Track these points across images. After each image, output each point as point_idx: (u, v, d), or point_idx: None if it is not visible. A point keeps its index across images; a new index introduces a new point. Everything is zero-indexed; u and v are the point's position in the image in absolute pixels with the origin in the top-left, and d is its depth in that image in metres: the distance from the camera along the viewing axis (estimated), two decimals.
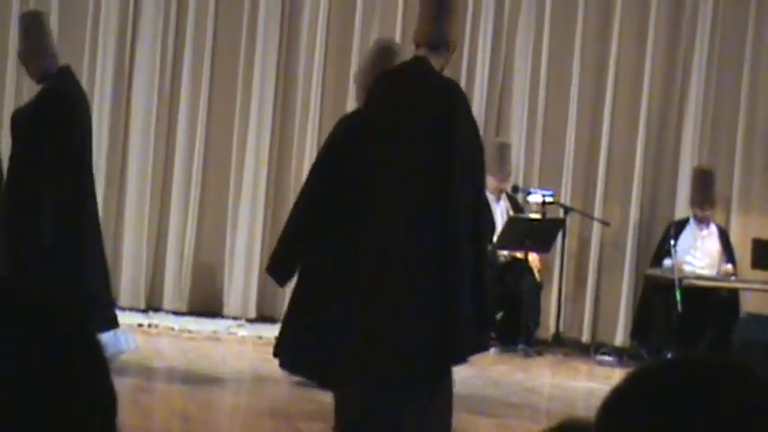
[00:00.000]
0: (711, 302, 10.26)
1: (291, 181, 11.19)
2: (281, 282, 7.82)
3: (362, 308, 5.72)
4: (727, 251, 10.71)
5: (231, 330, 10.38)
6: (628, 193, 11.43)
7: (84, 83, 10.66)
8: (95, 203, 7.81)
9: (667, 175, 11.50)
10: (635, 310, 11.06)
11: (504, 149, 10.80)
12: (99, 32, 11.05)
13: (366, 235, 5.76)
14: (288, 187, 11.19)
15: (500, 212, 10.61)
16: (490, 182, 9.76)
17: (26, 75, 8.13)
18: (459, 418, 6.21)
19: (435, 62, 5.88)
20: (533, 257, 10.81)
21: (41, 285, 1.24)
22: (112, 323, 7.64)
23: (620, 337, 11.22)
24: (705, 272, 10.55)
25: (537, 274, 10.85)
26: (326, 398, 7.00)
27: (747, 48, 11.45)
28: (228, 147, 11.19)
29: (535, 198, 10.81)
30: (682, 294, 9.92)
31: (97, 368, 1.22)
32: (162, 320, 10.46)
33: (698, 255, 10.61)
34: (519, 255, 10.74)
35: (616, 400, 1.27)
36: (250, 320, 10.90)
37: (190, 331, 10.13)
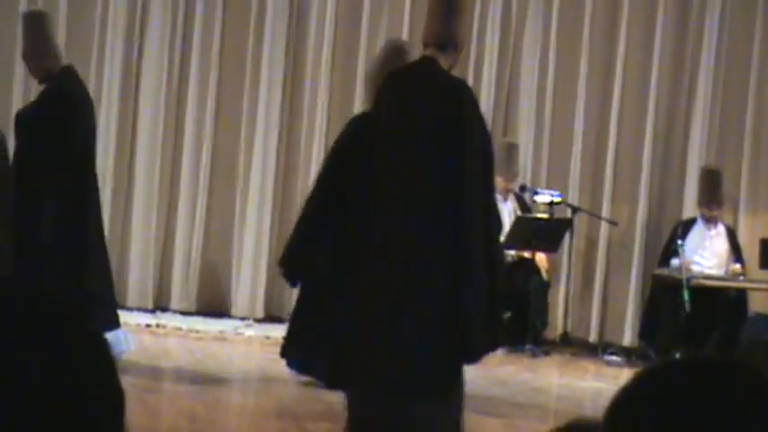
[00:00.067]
0: (719, 302, 10.24)
1: (299, 181, 11.20)
2: (293, 279, 7.84)
3: (371, 308, 5.72)
4: (736, 251, 10.70)
5: (239, 330, 10.39)
6: (635, 193, 11.42)
7: (91, 85, 10.68)
8: (98, 203, 7.82)
9: (675, 174, 11.49)
10: (643, 310, 11.05)
11: (511, 149, 10.80)
12: (107, 34, 11.06)
13: (374, 235, 5.76)
14: (295, 187, 11.20)
15: (507, 212, 10.60)
16: (498, 182, 9.74)
17: None
18: (466, 418, 6.20)
19: (443, 62, 5.88)
20: (541, 257, 10.81)
21: (45, 285, 1.24)
22: (114, 323, 7.65)
23: (627, 337, 11.21)
24: (713, 272, 10.54)
25: (544, 274, 10.85)
26: (334, 398, 7.01)
27: (755, 47, 11.44)
28: (236, 147, 11.19)
29: (543, 198, 10.81)
30: (690, 294, 9.90)
31: (105, 368, 1.22)
32: (169, 320, 10.47)
33: (706, 255, 10.60)
34: (526, 255, 10.74)
35: (624, 401, 1.27)
36: (258, 320, 10.91)
37: (197, 331, 10.14)
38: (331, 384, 7.37)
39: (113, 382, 1.22)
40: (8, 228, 7.39)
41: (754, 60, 11.43)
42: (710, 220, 10.62)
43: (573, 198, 11.27)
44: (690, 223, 10.70)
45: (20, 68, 10.63)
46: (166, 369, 8.51)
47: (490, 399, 8.08)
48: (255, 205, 11.17)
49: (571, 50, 11.47)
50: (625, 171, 11.46)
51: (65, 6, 10.99)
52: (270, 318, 10.96)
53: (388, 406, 5.65)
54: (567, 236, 10.90)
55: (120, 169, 11.04)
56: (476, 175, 5.67)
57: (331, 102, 11.26)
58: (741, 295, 10.49)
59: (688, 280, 10.00)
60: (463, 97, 5.79)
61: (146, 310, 10.83)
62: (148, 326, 10.14)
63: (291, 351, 7.94)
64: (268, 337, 9.91)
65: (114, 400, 1.22)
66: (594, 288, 11.40)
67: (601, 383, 9.28)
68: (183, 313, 10.89)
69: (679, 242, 10.27)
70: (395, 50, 7.62)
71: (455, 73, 6.09)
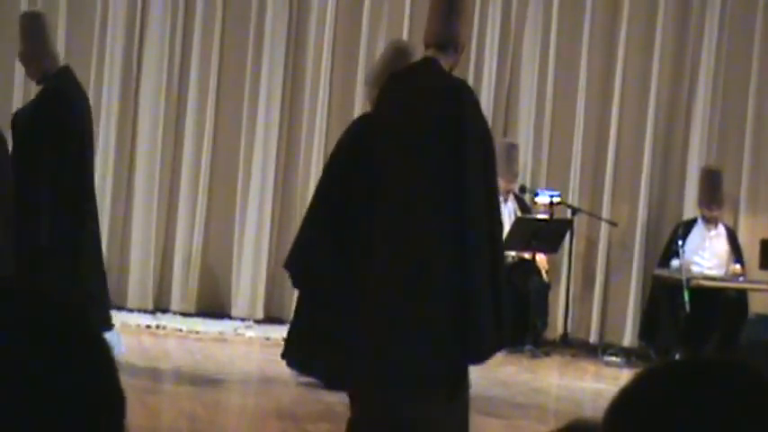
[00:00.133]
0: (719, 303, 10.24)
1: (298, 182, 11.21)
2: (300, 282, 7.85)
3: (375, 308, 5.72)
4: (736, 252, 10.70)
5: (239, 331, 10.39)
6: (635, 194, 11.42)
7: (91, 87, 10.70)
8: (95, 204, 7.81)
9: (675, 175, 11.49)
10: (643, 310, 11.05)
11: (511, 150, 10.80)
12: (106, 36, 11.06)
13: (376, 236, 5.76)
14: (295, 189, 11.21)
15: (507, 213, 10.60)
16: (498, 183, 9.76)
17: None
18: None
19: (444, 62, 5.88)
20: (541, 258, 10.81)
21: (44, 286, 1.24)
22: (108, 324, 7.66)
23: (627, 338, 11.21)
24: (713, 272, 10.54)
25: (544, 275, 10.85)
26: (334, 399, 7.02)
27: (755, 47, 11.44)
28: (236, 149, 11.19)
29: (543, 199, 10.81)
30: (690, 295, 9.90)
31: (105, 369, 1.22)
32: (169, 322, 10.47)
33: (706, 255, 10.60)
34: (526, 255, 10.74)
35: (624, 401, 1.27)
36: (257, 322, 10.90)
37: (197, 332, 10.14)
38: (331, 385, 7.38)
39: (113, 382, 1.22)
40: (8, 228, 7.38)
41: (755, 61, 11.43)
42: (710, 221, 10.62)
43: (573, 199, 11.27)
44: (690, 224, 10.70)
45: (20, 69, 10.63)
46: (166, 370, 8.51)
47: (490, 399, 8.08)
48: (255, 206, 11.17)
49: (571, 51, 11.47)
50: (625, 172, 11.46)
51: (64, 7, 10.99)
52: (270, 319, 10.96)
53: (391, 407, 5.64)
54: (567, 237, 10.91)
55: (121, 171, 11.04)
56: (477, 175, 5.67)
57: (331, 103, 11.26)
58: (741, 296, 10.49)
59: (688, 280, 10.00)
60: (464, 97, 5.79)
61: (146, 312, 10.83)
62: (148, 327, 10.14)
63: (292, 351, 7.95)
64: (268, 339, 9.91)
65: (114, 400, 1.22)
66: (594, 289, 11.40)
67: (601, 384, 9.28)
68: (183, 314, 10.89)
69: (679, 243, 10.27)
70: (397, 52, 7.63)
71: (455, 74, 6.09)
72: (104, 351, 1.23)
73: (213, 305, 11.12)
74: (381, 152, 5.85)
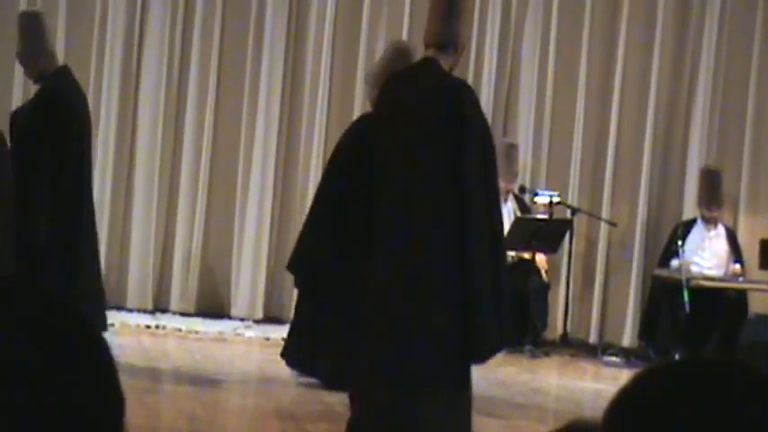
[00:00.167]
0: (719, 303, 10.24)
1: (298, 182, 11.22)
2: (305, 281, 7.85)
3: (376, 309, 5.72)
4: (735, 252, 10.70)
5: (238, 331, 10.39)
6: (635, 194, 11.42)
7: (91, 84, 10.70)
8: (92, 204, 7.81)
9: (675, 175, 11.49)
10: (642, 310, 11.05)
11: (511, 150, 10.80)
12: (106, 33, 11.06)
13: (377, 236, 5.76)
14: (294, 188, 11.21)
15: (507, 213, 10.60)
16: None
17: None
18: None
19: (444, 63, 5.88)
20: (540, 258, 10.81)
21: (43, 286, 1.24)
22: (104, 326, 7.66)
23: (627, 338, 11.21)
24: (713, 272, 10.54)
25: (544, 275, 10.85)
26: (333, 399, 7.02)
27: (755, 47, 11.44)
28: (235, 148, 11.19)
29: (542, 199, 10.81)
30: (689, 295, 9.91)
31: (105, 369, 1.22)
32: (169, 321, 10.47)
33: (705, 255, 10.60)
34: (526, 255, 10.74)
35: (623, 401, 1.27)
36: (257, 322, 10.90)
37: (197, 332, 10.14)
38: (332, 385, 7.38)
39: (113, 383, 1.22)
40: (8, 227, 7.38)
41: (754, 61, 11.43)
42: (710, 221, 10.62)
43: (572, 199, 11.27)
44: (690, 224, 10.70)
45: (19, 69, 10.63)
46: (166, 370, 8.51)
47: (490, 399, 8.08)
48: (255, 206, 11.17)
49: (571, 51, 11.47)
50: (625, 172, 11.47)
51: (64, 7, 10.99)
52: (269, 319, 10.96)
53: (391, 407, 5.64)
54: (566, 237, 10.90)
55: (120, 170, 11.04)
56: (478, 175, 5.67)
57: (331, 99, 11.26)
58: (741, 296, 10.49)
59: (688, 281, 10.00)
60: (464, 97, 5.80)
61: (145, 311, 10.83)
62: (148, 327, 10.14)
63: (292, 351, 7.95)
64: (267, 339, 9.91)
65: (114, 400, 1.22)
66: (594, 289, 11.40)
67: (600, 384, 9.28)
68: (183, 314, 10.89)
69: (679, 243, 10.27)
70: (398, 52, 7.63)
71: (455, 74, 6.09)
72: (104, 351, 1.23)
73: (213, 305, 11.12)
74: (382, 152, 5.85)
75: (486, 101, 11.12)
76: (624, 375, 9.44)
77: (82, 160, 7.60)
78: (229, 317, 10.98)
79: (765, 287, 10.45)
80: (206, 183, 11.17)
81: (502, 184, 10.43)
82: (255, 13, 11.20)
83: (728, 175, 11.04)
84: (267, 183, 11.18)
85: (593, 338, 11.24)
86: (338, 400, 7.06)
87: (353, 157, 6.93)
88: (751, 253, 10.72)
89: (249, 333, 10.35)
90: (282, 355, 8.03)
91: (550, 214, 10.72)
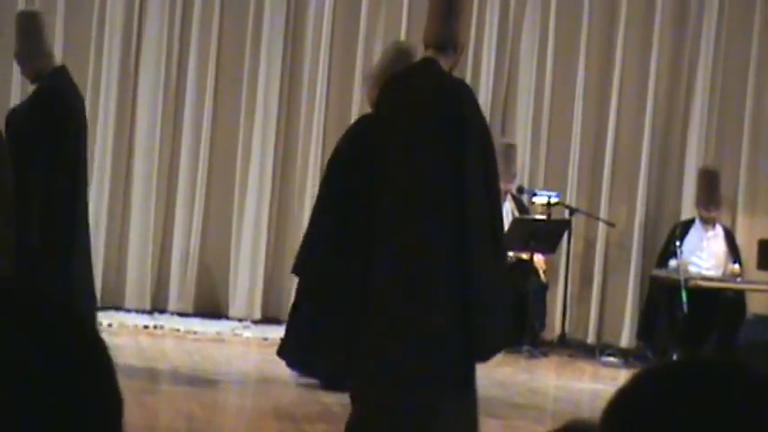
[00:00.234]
0: (717, 304, 10.24)
1: (296, 182, 11.21)
2: (310, 284, 7.85)
3: (376, 309, 5.72)
4: (733, 252, 10.70)
5: (236, 332, 10.39)
6: (633, 194, 11.42)
7: (89, 83, 10.70)
8: (86, 205, 7.80)
9: (673, 175, 11.49)
10: (641, 311, 11.05)
11: (509, 150, 10.80)
12: (104, 32, 11.06)
13: (377, 236, 5.76)
14: (292, 188, 11.21)
15: (505, 213, 10.60)
16: None
17: None
18: None
19: (444, 63, 5.88)
20: (539, 258, 10.81)
21: (41, 286, 1.24)
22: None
23: (625, 339, 11.21)
24: (711, 273, 10.54)
25: (542, 276, 10.85)
26: (332, 399, 7.02)
27: (753, 48, 11.44)
28: (233, 148, 11.19)
29: (540, 199, 10.81)
30: (687, 295, 9.90)
31: (103, 369, 1.22)
32: (167, 322, 10.47)
33: (704, 255, 10.60)
34: (524, 256, 10.74)
35: (621, 402, 1.27)
36: (255, 322, 10.90)
37: (195, 332, 10.14)
38: (332, 385, 7.38)
39: (112, 383, 1.22)
40: (8, 227, 7.37)
41: (752, 61, 11.43)
42: (708, 222, 10.62)
43: (571, 199, 11.27)
44: (688, 224, 10.70)
45: (18, 68, 10.63)
46: (164, 370, 8.51)
47: (488, 399, 8.06)
48: (253, 206, 11.16)
49: (569, 51, 11.47)
50: (623, 172, 11.47)
51: (62, 6, 10.99)
52: (267, 319, 10.95)
53: (391, 407, 5.64)
54: (564, 237, 10.90)
55: (118, 170, 11.04)
56: (478, 175, 5.68)
57: (329, 97, 11.26)
58: (739, 296, 10.49)
59: (686, 281, 10.00)
60: (464, 97, 5.80)
61: (143, 312, 10.83)
62: (146, 327, 10.14)
63: (289, 349, 7.95)
64: (265, 339, 9.91)
65: (113, 401, 1.22)
66: (592, 289, 11.40)
67: (598, 385, 9.28)
68: (181, 314, 10.89)
69: (677, 243, 10.27)
70: (399, 53, 7.63)
71: (454, 74, 6.10)
72: (103, 351, 1.23)
73: (211, 305, 11.11)
74: (382, 152, 5.85)
75: (484, 101, 11.12)
76: (622, 376, 9.45)
77: (78, 160, 7.59)
78: (227, 317, 10.98)
79: (763, 287, 10.45)
80: (204, 182, 11.16)
81: (500, 185, 10.46)
82: (253, 12, 11.20)
83: (726, 176, 11.04)
84: (265, 183, 11.18)
85: (591, 339, 11.24)
86: (336, 401, 7.06)
87: (354, 157, 6.93)
88: (749, 253, 10.72)
89: (247, 333, 10.34)
90: (279, 353, 8.03)
91: (549, 214, 10.73)
